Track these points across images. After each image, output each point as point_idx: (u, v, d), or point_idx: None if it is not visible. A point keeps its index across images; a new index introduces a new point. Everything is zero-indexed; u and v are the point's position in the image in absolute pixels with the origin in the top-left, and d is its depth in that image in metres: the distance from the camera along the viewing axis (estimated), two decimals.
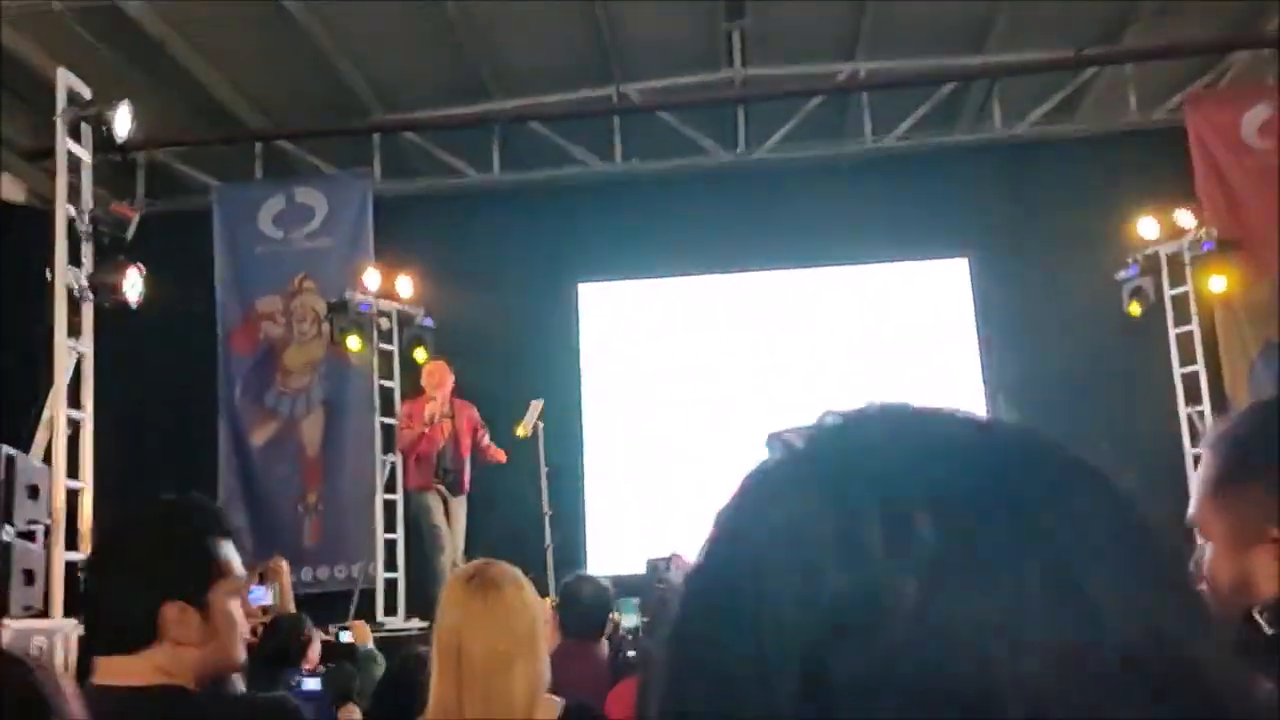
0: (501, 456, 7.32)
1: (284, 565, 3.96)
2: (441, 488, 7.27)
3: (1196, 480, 1.20)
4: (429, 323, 8.23)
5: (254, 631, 3.61)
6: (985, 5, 8.10)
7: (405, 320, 8.21)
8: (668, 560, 4.51)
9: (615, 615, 2.78)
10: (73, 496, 5.56)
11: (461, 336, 8.06)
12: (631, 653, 2.67)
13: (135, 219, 5.32)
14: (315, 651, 3.60)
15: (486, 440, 7.35)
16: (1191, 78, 8.74)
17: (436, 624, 2.16)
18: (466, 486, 7.36)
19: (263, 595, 3.38)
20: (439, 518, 7.17)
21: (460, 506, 7.34)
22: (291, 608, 3.87)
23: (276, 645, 3.47)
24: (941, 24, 8.36)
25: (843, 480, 0.44)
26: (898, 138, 8.87)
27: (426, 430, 7.14)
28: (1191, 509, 1.17)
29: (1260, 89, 8.40)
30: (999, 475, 0.45)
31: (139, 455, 8.04)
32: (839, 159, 9.23)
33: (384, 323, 8.14)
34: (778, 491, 0.46)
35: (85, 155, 5.63)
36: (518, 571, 2.21)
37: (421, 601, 7.20)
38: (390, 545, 7.87)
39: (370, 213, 8.65)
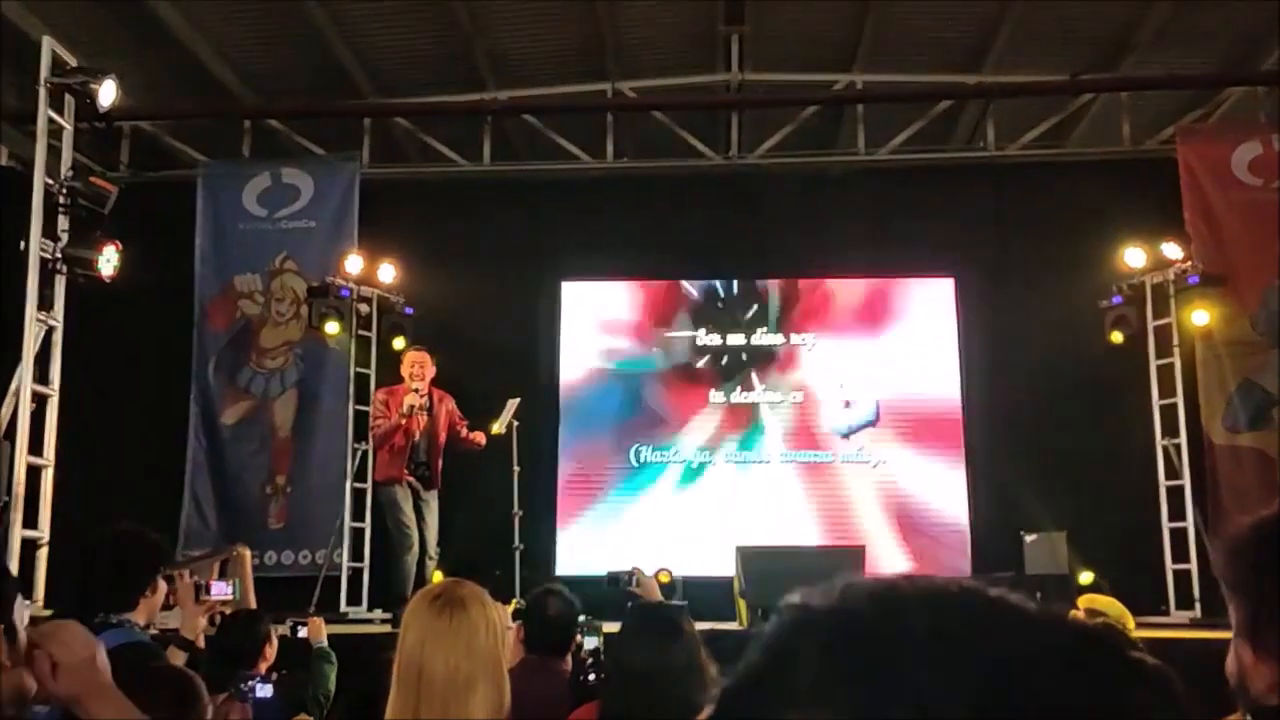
0: (481, 439, 7.26)
1: (247, 555, 3.88)
2: (413, 480, 7.19)
3: None
4: (409, 311, 8.16)
5: (211, 621, 3.55)
6: (985, 25, 8.09)
7: (385, 307, 8.13)
8: (629, 574, 4.47)
9: (578, 637, 2.73)
10: (35, 473, 5.46)
11: (440, 327, 7.99)
12: (593, 676, 2.63)
13: (114, 194, 5.22)
14: (272, 651, 3.54)
15: (466, 431, 7.30)
16: (1185, 110, 8.77)
17: (399, 640, 2.11)
18: (439, 481, 7.29)
19: (224, 590, 3.30)
20: (408, 514, 7.09)
21: (432, 500, 7.27)
22: (253, 602, 3.80)
23: (232, 644, 3.39)
24: (940, 41, 8.35)
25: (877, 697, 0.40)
26: (890, 152, 8.85)
27: (403, 422, 7.06)
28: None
29: (1252, 126, 8.45)
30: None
31: (106, 431, 7.94)
32: (830, 169, 9.22)
33: (363, 308, 8.06)
34: (797, 696, 0.42)
35: (67, 125, 5.52)
36: (484, 592, 2.18)
37: (386, 593, 7.14)
38: (358, 534, 7.79)
39: (356, 197, 8.56)
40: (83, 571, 2.76)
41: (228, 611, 3.48)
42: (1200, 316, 7.62)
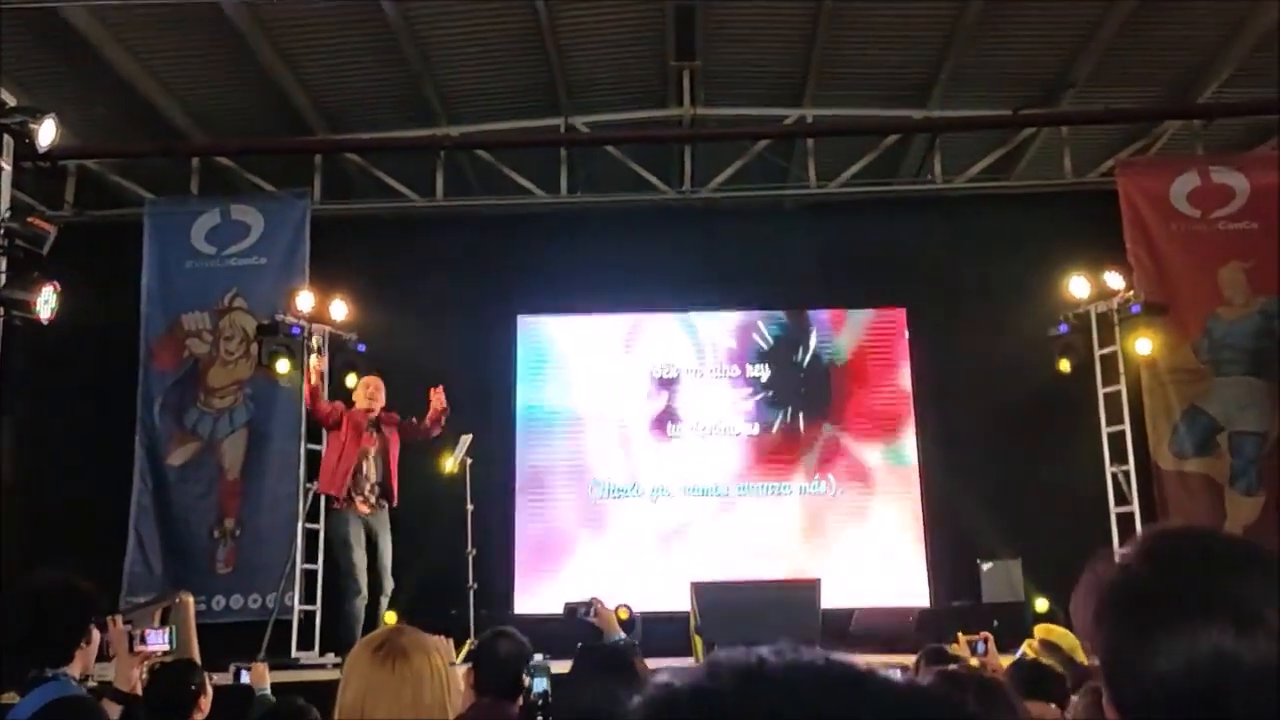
0: (440, 402, 7.26)
1: (189, 602, 3.77)
2: (365, 508, 7.14)
3: None
4: (361, 348, 8.08)
5: (149, 672, 3.44)
6: (929, 61, 8.24)
7: (337, 344, 8.05)
8: (588, 605, 4.42)
9: (526, 679, 2.69)
10: None
11: (394, 364, 7.91)
12: (541, 719, 2.59)
13: (52, 234, 5.13)
14: (206, 702, 3.44)
15: (417, 421, 7.34)
16: (1125, 143, 8.97)
17: (339, 692, 2.06)
18: (396, 498, 7.26)
19: (160, 639, 3.20)
20: (360, 556, 7.02)
21: (386, 531, 7.20)
22: (194, 653, 3.69)
23: (164, 694, 3.29)
24: (887, 76, 8.49)
25: None
26: (840, 185, 8.96)
27: (340, 406, 7.27)
28: None
29: (1190, 158, 8.66)
30: None
31: (48, 475, 7.76)
32: (782, 202, 9.31)
33: (315, 346, 7.96)
34: None
35: (5, 165, 5.44)
36: (428, 638, 2.13)
37: (337, 636, 7.01)
38: (310, 576, 7.65)
39: (307, 234, 8.49)
40: (13, 626, 2.67)
41: (165, 662, 3.38)
42: (1144, 345, 7.75)
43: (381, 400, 7.39)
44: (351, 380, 7.81)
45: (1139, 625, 0.97)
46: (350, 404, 7.43)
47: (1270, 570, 0.97)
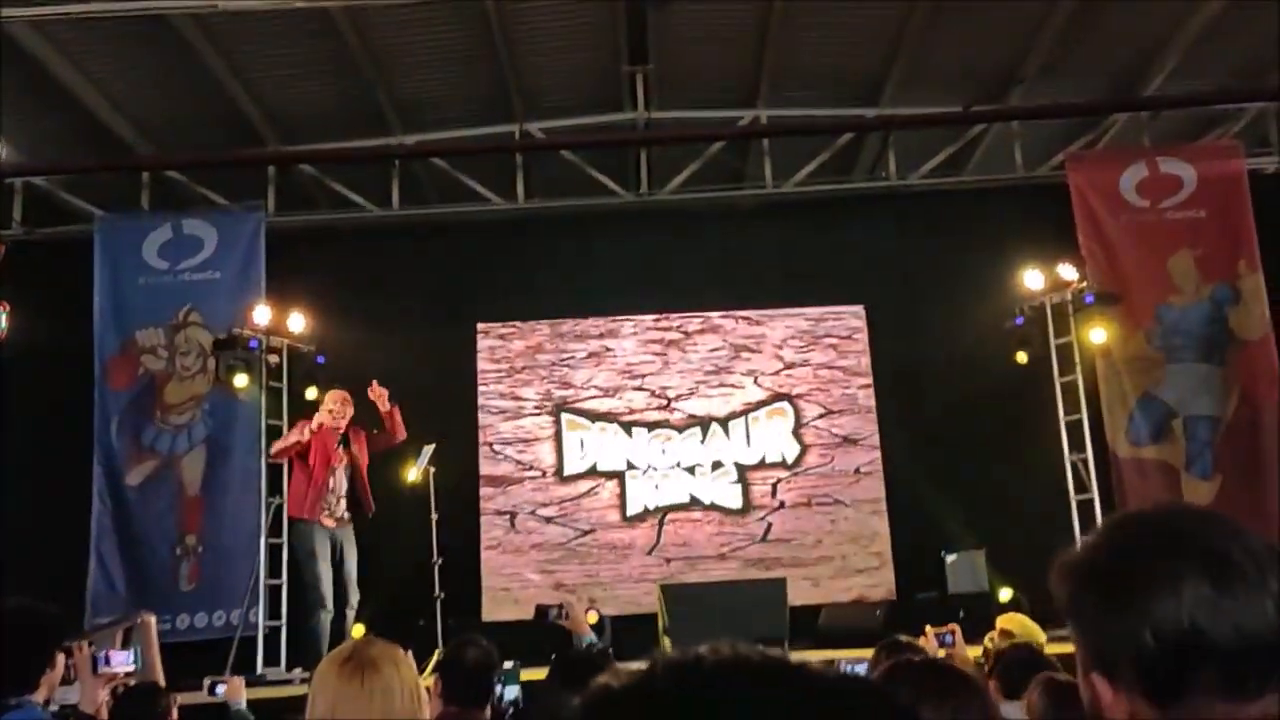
0: (384, 403, 7.15)
1: (152, 622, 3.71)
2: (332, 523, 7.06)
3: None
4: (320, 360, 8.00)
5: (114, 693, 3.39)
6: (880, 60, 8.32)
7: (296, 357, 7.97)
8: (559, 607, 4.41)
9: (497, 688, 2.68)
10: None
11: (354, 375, 7.83)
12: None
13: (1, 253, 5.04)
14: None
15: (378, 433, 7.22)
16: (1073, 137, 9.11)
17: (308, 707, 2.04)
18: (372, 505, 7.19)
19: (125, 660, 3.15)
20: (325, 570, 6.94)
21: (352, 544, 7.13)
22: (158, 672, 3.64)
23: (130, 717, 3.24)
24: (839, 75, 8.56)
25: None
26: (796, 184, 9.02)
27: (308, 437, 7.01)
28: None
29: (1138, 150, 8.81)
30: None
31: (5, 499, 7.61)
32: (739, 203, 9.36)
33: (273, 359, 7.88)
34: None
35: None
36: (396, 649, 2.12)
37: (303, 652, 6.94)
38: (274, 591, 7.56)
39: (262, 246, 8.41)
40: None
41: (131, 683, 3.33)
42: (1098, 334, 7.88)
43: (349, 414, 7.26)
44: (312, 393, 7.73)
45: (1119, 594, 1.03)
46: (311, 413, 7.30)
47: (1228, 522, 1.06)
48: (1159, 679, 1.00)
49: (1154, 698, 1.01)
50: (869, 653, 3.61)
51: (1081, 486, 7.86)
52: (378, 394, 7.19)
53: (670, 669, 0.50)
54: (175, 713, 3.43)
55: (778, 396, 9.01)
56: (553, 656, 3.00)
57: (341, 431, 7.24)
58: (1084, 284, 7.94)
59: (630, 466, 8.84)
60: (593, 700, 0.49)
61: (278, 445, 7.21)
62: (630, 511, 8.76)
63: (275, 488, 7.59)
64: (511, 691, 2.64)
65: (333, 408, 7.22)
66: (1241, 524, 1.05)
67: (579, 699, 0.51)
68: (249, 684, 5.88)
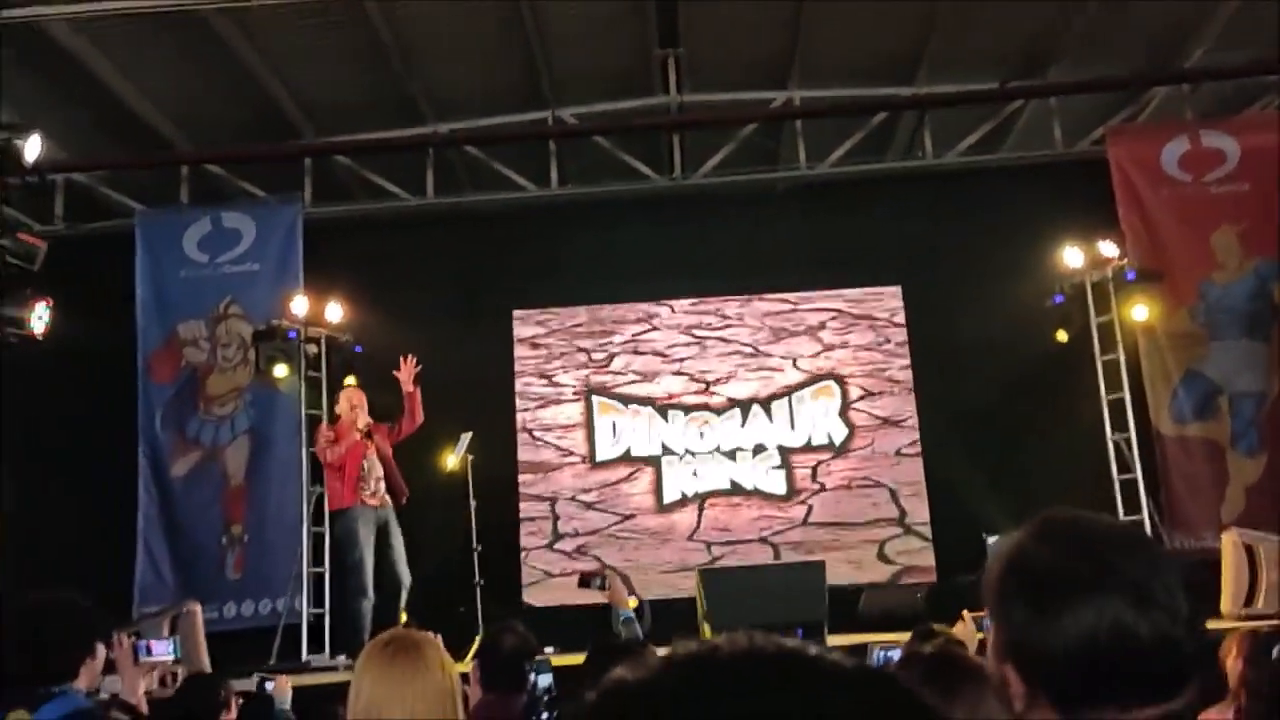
0: (408, 384, 7.05)
1: (198, 611, 3.75)
2: (375, 502, 6.99)
3: None
4: (358, 349, 8.06)
5: (162, 681, 3.46)
6: (914, 37, 8.21)
7: (334, 347, 8.03)
8: (602, 578, 4.43)
9: (531, 676, 2.70)
10: None
11: (392, 364, 7.88)
12: (546, 715, 2.60)
13: (43, 249, 5.13)
14: (231, 717, 3.44)
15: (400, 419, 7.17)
16: (1113, 111, 8.95)
17: (352, 695, 2.07)
18: (406, 492, 7.09)
19: (164, 649, 3.20)
20: (367, 553, 6.91)
21: (395, 522, 7.07)
22: (204, 660, 3.69)
23: (188, 708, 3.29)
24: (873, 55, 8.46)
25: None
26: (830, 165, 8.94)
27: (358, 438, 6.93)
28: None
29: (1179, 123, 8.64)
30: None
31: (55, 493, 7.77)
32: (773, 185, 9.29)
33: (312, 349, 7.95)
34: None
35: None
36: (433, 637, 2.15)
37: (348, 639, 7.02)
38: (317, 579, 7.65)
39: (299, 238, 8.49)
40: (18, 645, 2.68)
41: (178, 672, 3.38)
42: (1140, 311, 7.75)
43: (364, 405, 7.09)
44: (351, 382, 7.77)
45: (1046, 601, 1.10)
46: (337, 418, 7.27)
47: (1151, 549, 1.17)
48: (1066, 688, 1.09)
49: (1058, 703, 1.10)
50: (906, 636, 3.60)
51: (1124, 466, 7.75)
52: (407, 372, 7.06)
53: (684, 663, 0.50)
54: (234, 705, 3.47)
55: (823, 376, 8.96)
56: (590, 644, 3.01)
57: (359, 426, 7.04)
58: (1125, 261, 7.82)
59: (667, 451, 8.85)
60: (607, 692, 0.49)
61: (331, 452, 7.12)
62: (667, 499, 8.76)
63: (317, 476, 7.66)
64: (545, 680, 2.65)
65: (353, 403, 7.09)
66: (1159, 546, 1.17)
67: (593, 691, 0.51)
68: (294, 671, 5.98)
